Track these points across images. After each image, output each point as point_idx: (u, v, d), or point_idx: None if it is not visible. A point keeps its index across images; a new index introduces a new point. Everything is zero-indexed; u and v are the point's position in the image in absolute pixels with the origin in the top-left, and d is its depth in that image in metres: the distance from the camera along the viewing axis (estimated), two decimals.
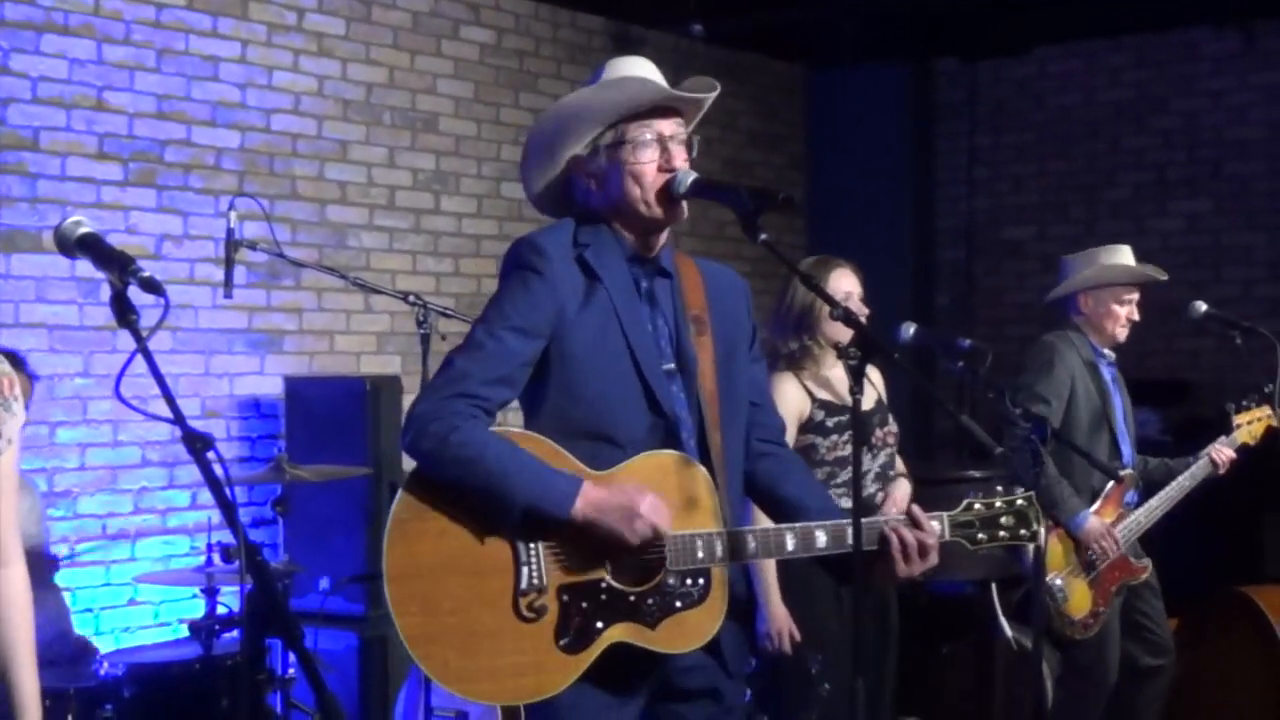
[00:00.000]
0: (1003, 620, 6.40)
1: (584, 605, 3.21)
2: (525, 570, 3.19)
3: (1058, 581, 5.60)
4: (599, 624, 3.22)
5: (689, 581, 3.29)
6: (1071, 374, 5.69)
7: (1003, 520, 3.50)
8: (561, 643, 3.20)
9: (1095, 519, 5.59)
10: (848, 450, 4.93)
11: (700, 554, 3.28)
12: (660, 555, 3.25)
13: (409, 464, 3.30)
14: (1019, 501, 3.51)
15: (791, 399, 4.95)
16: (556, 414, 3.29)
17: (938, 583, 6.79)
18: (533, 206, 3.58)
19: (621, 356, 3.31)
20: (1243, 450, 5.89)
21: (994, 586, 6.34)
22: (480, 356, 3.25)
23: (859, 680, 3.33)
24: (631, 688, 3.32)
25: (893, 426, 5.12)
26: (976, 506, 3.49)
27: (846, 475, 4.94)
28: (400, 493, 3.23)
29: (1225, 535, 7.63)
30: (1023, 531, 3.51)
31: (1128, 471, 5.71)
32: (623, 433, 3.29)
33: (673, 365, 3.39)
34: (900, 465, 5.24)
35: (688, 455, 3.33)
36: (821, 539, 3.37)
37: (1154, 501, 5.76)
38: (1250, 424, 5.90)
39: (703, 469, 3.34)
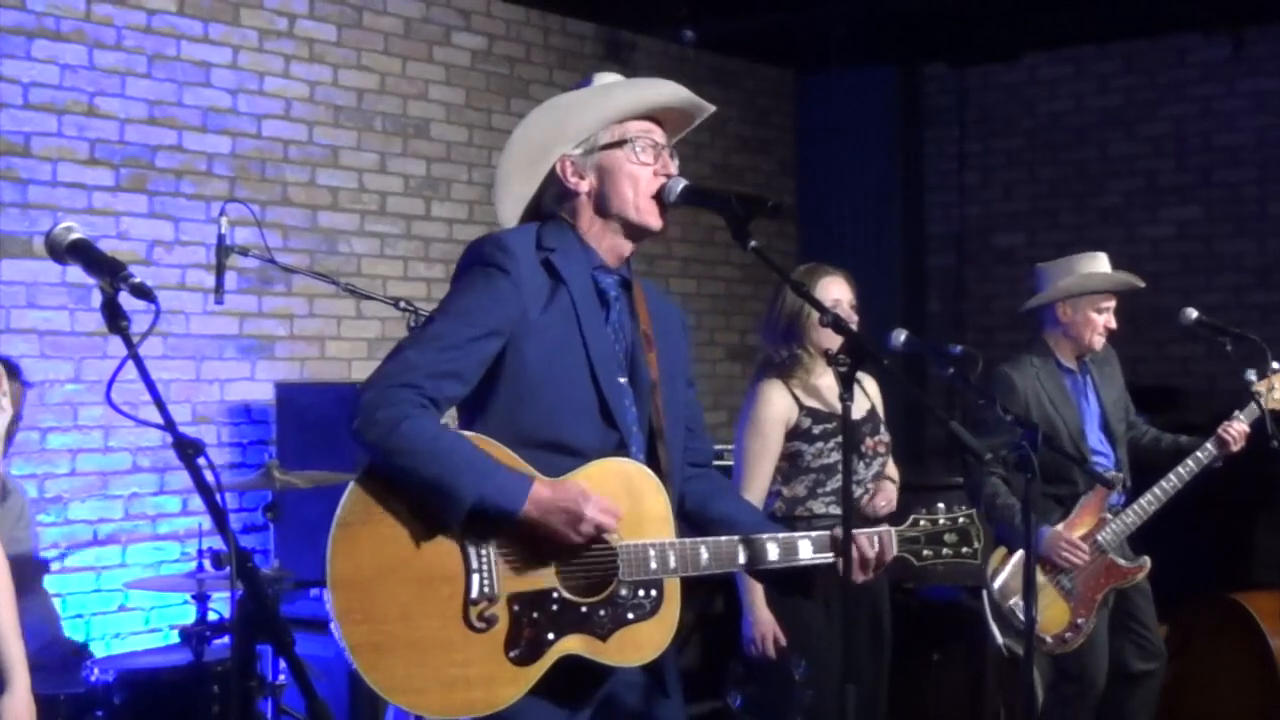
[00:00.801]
0: (993, 627, 6.39)
1: (535, 616, 3.14)
2: (476, 578, 3.10)
3: (1017, 601, 5.52)
4: (550, 635, 3.15)
5: (641, 593, 3.24)
6: (1025, 401, 5.63)
7: (945, 538, 3.53)
8: (512, 654, 3.12)
9: (1051, 532, 5.53)
10: (833, 458, 4.95)
11: (653, 565, 3.23)
12: (613, 566, 3.20)
13: None
14: (960, 519, 3.54)
15: (779, 406, 4.96)
16: (506, 418, 3.22)
17: (928, 589, 6.80)
18: (498, 213, 3.47)
19: (579, 365, 3.26)
20: (1258, 424, 5.77)
21: (985, 594, 6.34)
22: (435, 349, 3.16)
23: (849, 687, 3.34)
24: (581, 700, 3.26)
25: (884, 436, 5.13)
26: (922, 523, 3.52)
27: (833, 483, 4.95)
28: (346, 493, 3.12)
29: (1216, 541, 7.65)
30: (964, 549, 3.54)
31: (1113, 474, 5.67)
32: (575, 442, 3.23)
33: (626, 379, 3.34)
34: (892, 470, 5.24)
35: (641, 464, 3.30)
36: (773, 551, 3.37)
37: (1145, 499, 5.68)
38: (1273, 390, 5.78)
39: (655, 479, 3.30)
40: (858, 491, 4.98)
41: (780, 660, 4.93)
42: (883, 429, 5.13)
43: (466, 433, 3.20)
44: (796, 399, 4.99)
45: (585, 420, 3.26)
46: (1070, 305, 5.74)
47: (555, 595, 3.17)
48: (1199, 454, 5.70)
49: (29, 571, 5.32)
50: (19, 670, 3.50)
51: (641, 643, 3.25)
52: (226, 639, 5.07)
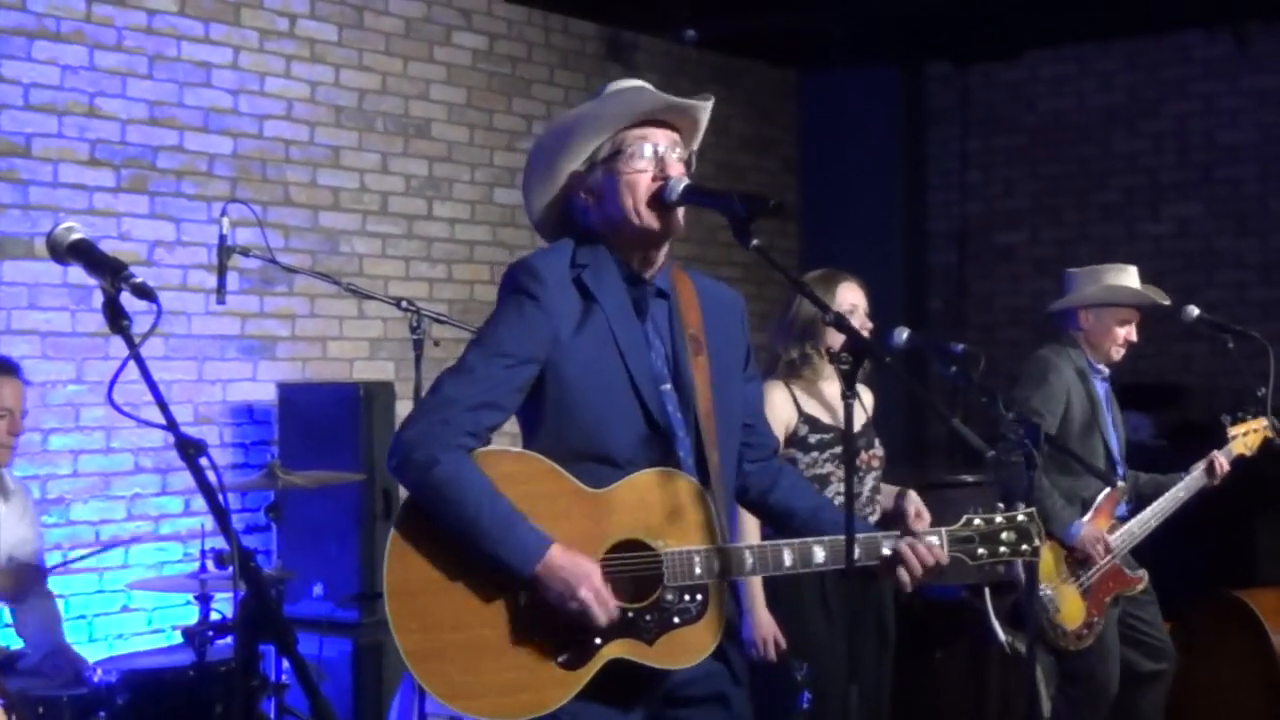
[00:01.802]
0: (996, 625, 6.39)
1: (579, 623, 3.20)
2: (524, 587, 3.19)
3: (1048, 592, 5.59)
4: (597, 640, 3.21)
5: (687, 598, 3.29)
6: (1067, 387, 5.69)
7: (1004, 536, 3.51)
8: (560, 659, 3.20)
9: (1090, 526, 5.60)
10: (827, 468, 4.94)
11: (698, 570, 3.28)
12: (659, 572, 3.25)
13: None
14: (1020, 517, 3.52)
15: (779, 409, 4.96)
16: (554, 436, 3.29)
17: (932, 588, 6.79)
18: (537, 233, 3.55)
19: (618, 377, 3.30)
20: (1238, 461, 5.88)
21: (988, 592, 6.34)
22: (469, 381, 3.24)
23: (853, 687, 3.34)
24: (631, 701, 3.32)
25: (879, 450, 5.10)
26: (976, 522, 3.50)
27: (826, 493, 4.92)
28: (402, 505, 3.24)
29: (1218, 539, 7.64)
30: (1024, 547, 3.52)
31: (1122, 485, 5.71)
32: (620, 453, 3.29)
33: (669, 385, 3.38)
34: (884, 490, 5.23)
35: (685, 472, 3.33)
36: (819, 554, 3.39)
37: (1147, 513, 5.75)
38: (1246, 435, 5.88)
39: (699, 485, 3.34)
40: (861, 512, 4.96)
41: (781, 663, 4.93)
42: (877, 444, 5.11)
43: (514, 451, 3.29)
44: (797, 404, 4.98)
45: (630, 431, 3.31)
46: (1093, 314, 5.77)
47: None
48: (1189, 481, 5.81)
49: (33, 573, 5.32)
50: None
51: (687, 646, 3.30)
52: (229, 639, 5.07)
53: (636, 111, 3.37)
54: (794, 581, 4.83)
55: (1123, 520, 5.73)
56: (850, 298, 5.02)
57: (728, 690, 3.42)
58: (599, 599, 3.17)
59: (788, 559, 3.37)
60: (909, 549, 3.40)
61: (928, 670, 6.92)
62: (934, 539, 3.44)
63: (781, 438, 4.93)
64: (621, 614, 3.23)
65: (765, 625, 4.93)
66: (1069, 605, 5.63)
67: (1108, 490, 5.64)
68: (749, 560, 3.35)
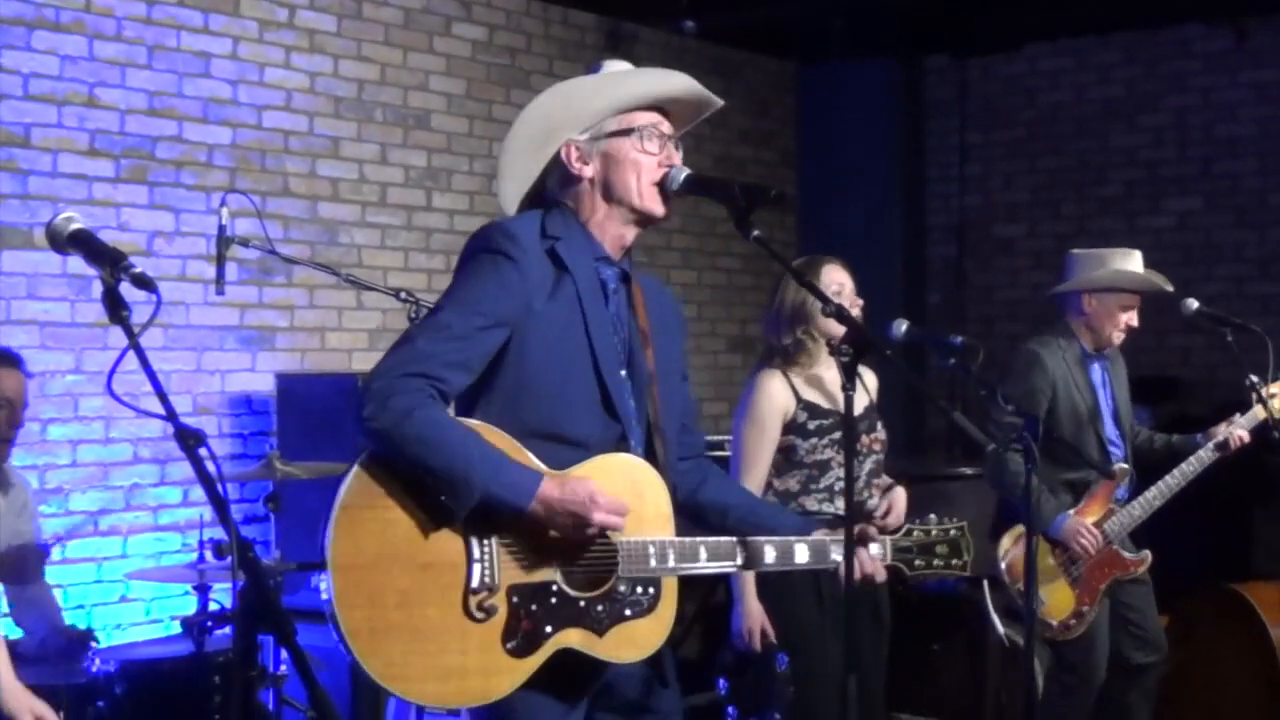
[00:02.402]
0: (994, 617, 6.40)
1: (534, 608, 3.14)
2: (478, 568, 3.10)
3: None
4: (548, 628, 3.15)
5: (639, 590, 3.25)
6: (1052, 381, 5.67)
7: (937, 549, 3.57)
8: (509, 645, 3.12)
9: (1072, 519, 5.59)
10: (827, 454, 4.93)
11: (652, 561, 3.24)
12: (613, 561, 3.21)
13: None
14: (952, 531, 3.57)
15: (777, 398, 4.95)
16: (508, 408, 3.21)
17: (929, 582, 6.80)
18: (500, 200, 3.46)
19: (582, 356, 3.26)
20: (1260, 428, 5.80)
21: (985, 584, 6.34)
22: (445, 338, 3.15)
23: (851, 677, 3.35)
24: (577, 693, 3.27)
25: (880, 434, 5.09)
26: (915, 533, 3.55)
27: (826, 480, 4.93)
28: (350, 476, 3.09)
29: (1215, 532, 7.65)
30: (954, 561, 3.58)
31: (1122, 466, 5.69)
32: (576, 434, 3.24)
33: (625, 372, 3.35)
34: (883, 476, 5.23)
35: (643, 460, 3.30)
36: (770, 554, 3.39)
37: (1150, 493, 5.71)
38: (1275, 398, 5.79)
39: (656, 475, 3.31)
40: (860, 495, 4.96)
41: (764, 653, 4.94)
42: (879, 427, 5.10)
43: (477, 423, 3.18)
44: (795, 391, 4.97)
45: (587, 412, 3.26)
46: (1096, 298, 5.75)
47: (555, 589, 3.17)
48: (1201, 454, 5.74)
49: (31, 562, 5.32)
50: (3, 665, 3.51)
51: (638, 639, 3.26)
52: (228, 629, 5.07)
53: (659, 93, 3.36)
54: (786, 571, 4.83)
55: (1122, 503, 5.71)
56: (836, 278, 5.00)
57: (656, 694, 3.40)
58: (613, 510, 3.12)
59: (740, 556, 3.37)
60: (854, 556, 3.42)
61: (926, 662, 6.93)
62: (877, 548, 3.48)
63: (780, 425, 4.93)
64: (574, 603, 3.18)
65: (754, 615, 4.92)
66: (1055, 598, 5.62)
67: (1100, 481, 5.64)
68: (703, 554, 3.32)
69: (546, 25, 8.55)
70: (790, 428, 4.94)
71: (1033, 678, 5.88)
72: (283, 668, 5.22)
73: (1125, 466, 5.72)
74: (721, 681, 5.24)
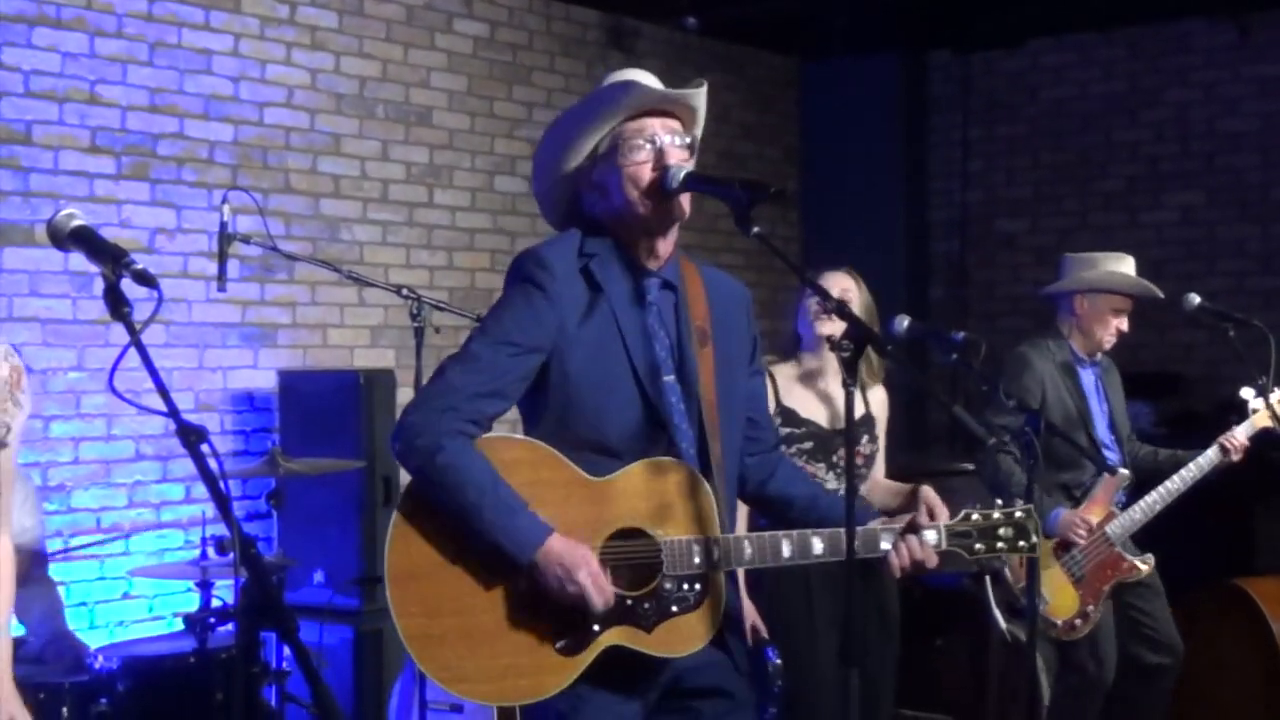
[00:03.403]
0: (997, 613, 6.39)
1: (578, 609, 3.22)
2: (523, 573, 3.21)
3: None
4: (595, 627, 3.24)
5: (685, 587, 3.31)
6: (1042, 384, 5.68)
7: (1001, 531, 3.51)
8: (558, 645, 3.23)
9: (1067, 512, 5.60)
10: (796, 464, 4.90)
11: (697, 559, 3.30)
12: (657, 560, 3.27)
13: None
14: (1018, 514, 3.53)
15: None
16: (555, 424, 3.31)
17: (932, 577, 6.80)
18: (548, 223, 3.59)
19: (621, 367, 3.32)
20: (1261, 435, 5.81)
21: (988, 580, 6.34)
22: (474, 369, 3.26)
23: (853, 672, 3.34)
24: (631, 688, 3.33)
25: (863, 448, 5.05)
26: (974, 517, 3.50)
27: None
28: (403, 490, 3.26)
29: (1218, 528, 7.65)
30: (1021, 543, 3.52)
31: (1123, 471, 5.70)
32: (620, 443, 3.31)
33: (673, 376, 3.39)
34: (881, 479, 5.20)
35: (685, 462, 3.34)
36: (818, 545, 3.40)
37: (1152, 497, 5.73)
38: (1271, 406, 5.80)
39: (699, 475, 3.35)
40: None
41: (756, 649, 4.93)
42: (864, 441, 5.07)
43: (519, 439, 3.32)
44: (777, 396, 4.96)
45: (631, 420, 3.33)
46: (1088, 300, 5.76)
47: None
48: (1201, 460, 5.75)
49: (35, 560, 5.32)
50: (3, 667, 3.50)
51: (685, 634, 3.32)
52: (230, 626, 5.07)
53: (629, 106, 3.37)
54: (778, 570, 4.83)
55: (1122, 507, 5.73)
56: (841, 284, 5.00)
57: (730, 681, 3.44)
58: (596, 584, 3.19)
59: (786, 550, 3.39)
60: (901, 545, 3.41)
61: (929, 658, 6.93)
62: (931, 534, 3.44)
63: None
64: (620, 601, 3.25)
65: (745, 612, 4.92)
66: (1060, 597, 5.63)
67: (1105, 477, 5.64)
68: (748, 550, 3.36)
69: (548, 21, 8.54)
70: None
71: (1035, 673, 5.90)
72: (285, 664, 5.23)
73: (1125, 472, 5.72)
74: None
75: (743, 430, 3.54)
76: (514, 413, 3.42)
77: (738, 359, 3.54)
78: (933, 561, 3.45)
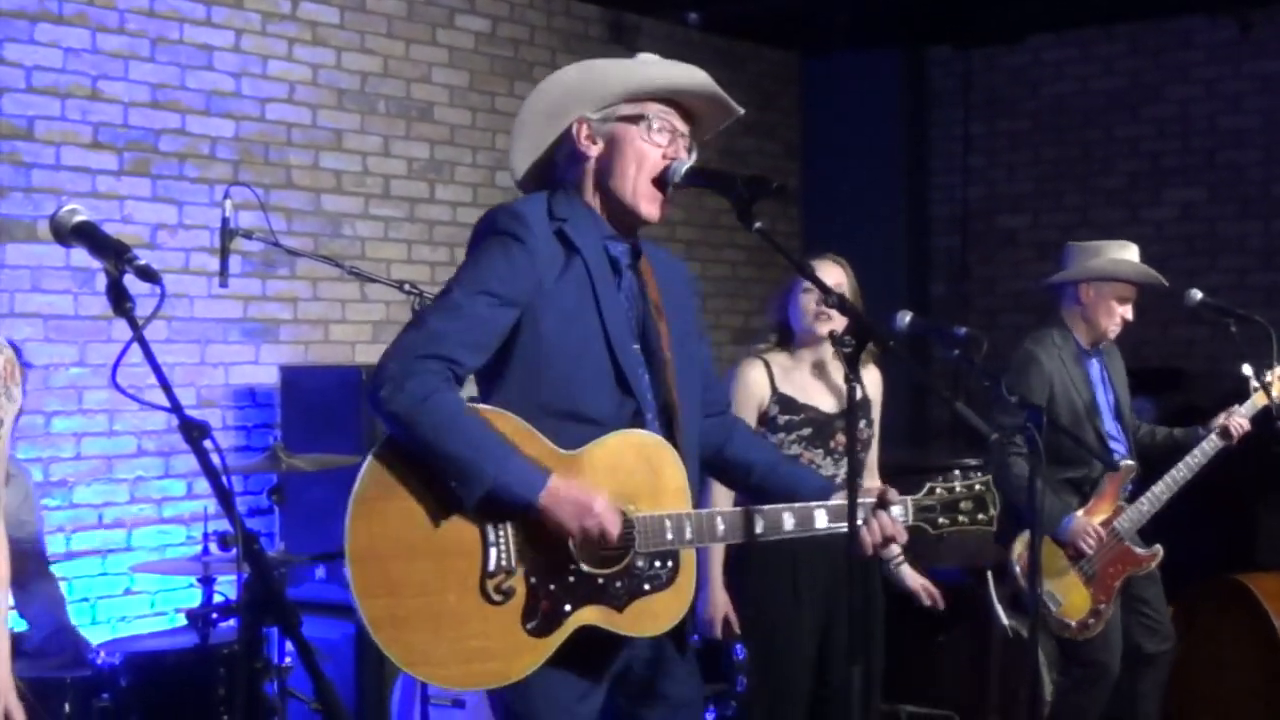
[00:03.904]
0: (998, 609, 6.40)
1: (552, 588, 3.18)
2: (494, 551, 3.15)
3: (1048, 588, 5.55)
4: (567, 606, 3.19)
5: (657, 564, 3.28)
6: (1049, 380, 5.67)
7: (961, 505, 3.54)
8: (529, 626, 3.17)
9: (1079, 519, 5.58)
10: (794, 450, 4.89)
11: (669, 535, 3.27)
12: (629, 537, 3.23)
13: None
14: (977, 486, 3.54)
15: (753, 387, 4.94)
16: (524, 388, 3.24)
17: (933, 571, 6.79)
18: (513, 177, 3.52)
19: (594, 334, 3.28)
20: (1261, 416, 5.81)
21: (989, 575, 6.34)
22: (457, 318, 3.19)
23: (855, 669, 3.35)
24: (598, 671, 3.31)
25: (861, 434, 5.04)
26: (939, 491, 3.52)
27: None
28: (365, 467, 3.16)
29: (1220, 523, 7.65)
30: (980, 515, 3.55)
31: (1128, 463, 5.70)
32: (590, 410, 3.26)
33: (637, 346, 3.37)
34: (873, 469, 5.20)
35: (658, 436, 3.32)
36: (789, 521, 3.39)
37: (1158, 487, 5.72)
38: (1274, 382, 5.80)
39: (671, 450, 3.33)
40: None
41: (725, 643, 4.94)
42: (862, 426, 5.05)
43: (487, 408, 3.22)
44: (773, 382, 4.96)
45: (601, 389, 3.29)
46: (1093, 288, 5.74)
47: (572, 567, 3.21)
48: (1205, 445, 5.74)
49: (35, 556, 5.32)
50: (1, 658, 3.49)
51: (658, 613, 3.30)
52: (233, 621, 5.07)
53: (675, 84, 3.36)
54: (763, 563, 4.83)
55: (1130, 499, 5.72)
56: (833, 277, 4.99)
57: (675, 666, 3.43)
58: (611, 518, 3.16)
59: (759, 525, 3.37)
60: (873, 520, 3.40)
61: (930, 654, 6.93)
62: (898, 509, 3.45)
63: (756, 415, 4.92)
64: (592, 580, 3.21)
65: (718, 604, 4.91)
66: (1072, 597, 5.63)
67: (1109, 474, 5.63)
68: (720, 526, 3.34)
69: (550, 17, 8.54)
70: (761, 419, 4.93)
71: (1037, 669, 5.90)
72: (287, 659, 5.22)
73: (1131, 463, 5.72)
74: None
75: (700, 401, 3.51)
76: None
77: (688, 329, 3.52)
78: (902, 537, 3.46)
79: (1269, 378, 5.76)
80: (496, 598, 3.14)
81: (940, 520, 3.52)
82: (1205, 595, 6.71)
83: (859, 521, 3.38)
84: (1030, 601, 4.82)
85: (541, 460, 3.19)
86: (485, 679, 3.19)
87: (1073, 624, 5.62)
